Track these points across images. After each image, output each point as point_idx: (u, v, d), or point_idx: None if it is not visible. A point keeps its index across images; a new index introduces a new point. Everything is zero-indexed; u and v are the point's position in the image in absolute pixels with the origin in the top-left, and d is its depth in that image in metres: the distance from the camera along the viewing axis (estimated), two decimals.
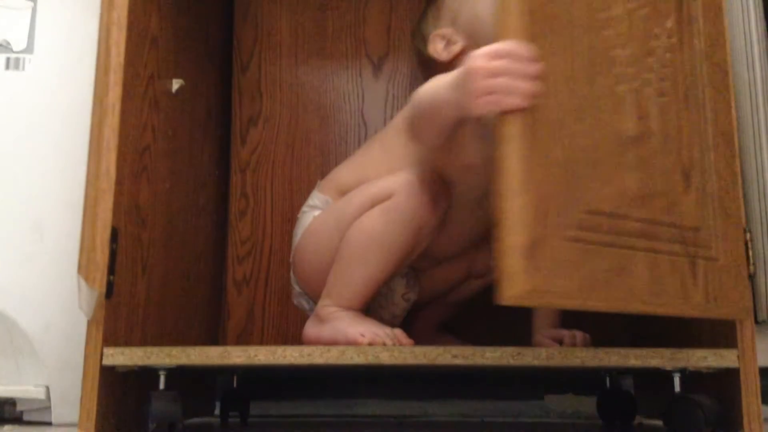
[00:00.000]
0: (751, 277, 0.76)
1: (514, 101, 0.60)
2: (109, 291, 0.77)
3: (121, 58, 0.81)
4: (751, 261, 0.76)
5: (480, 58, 0.63)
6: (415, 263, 0.98)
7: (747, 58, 0.98)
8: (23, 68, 1.00)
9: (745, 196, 0.80)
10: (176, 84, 0.98)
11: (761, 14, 1.00)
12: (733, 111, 0.77)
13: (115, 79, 0.81)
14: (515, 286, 0.59)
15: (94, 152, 0.79)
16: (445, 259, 1.03)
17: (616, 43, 0.69)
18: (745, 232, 0.76)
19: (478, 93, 0.63)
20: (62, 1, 1.03)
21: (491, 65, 0.62)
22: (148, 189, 0.89)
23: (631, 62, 0.70)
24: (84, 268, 0.75)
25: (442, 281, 1.05)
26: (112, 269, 0.77)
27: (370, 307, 0.96)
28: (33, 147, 0.99)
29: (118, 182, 0.79)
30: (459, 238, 1.00)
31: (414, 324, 1.05)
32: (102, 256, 0.76)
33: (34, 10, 1.02)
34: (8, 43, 1.01)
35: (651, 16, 0.72)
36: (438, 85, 0.78)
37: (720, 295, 0.71)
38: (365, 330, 0.86)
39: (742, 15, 0.99)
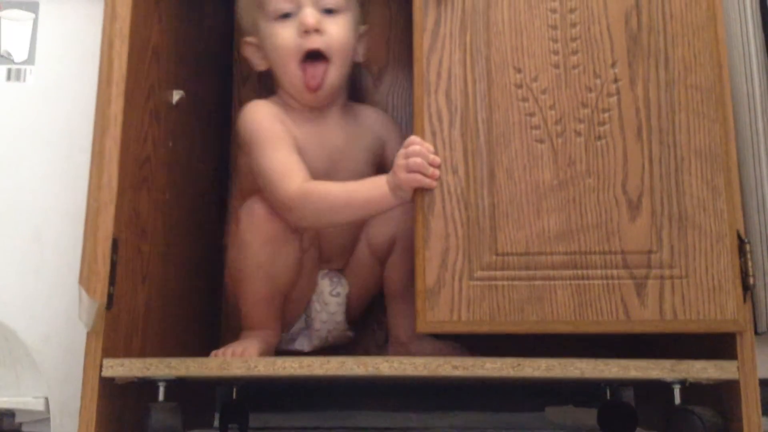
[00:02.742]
0: (751, 289, 0.76)
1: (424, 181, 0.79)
2: (109, 302, 0.77)
3: (123, 70, 0.82)
4: (750, 273, 0.76)
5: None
6: (327, 262, 1.04)
7: (745, 71, 0.98)
8: (24, 79, 1.01)
9: (743, 208, 0.81)
10: (177, 95, 0.98)
11: (759, 26, 1.00)
12: (722, 127, 0.80)
13: (118, 90, 0.81)
14: (421, 321, 0.78)
15: (96, 163, 0.80)
16: (341, 249, 1.05)
17: (535, 110, 0.81)
18: (743, 243, 0.77)
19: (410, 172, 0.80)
20: (63, 13, 1.03)
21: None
22: (149, 200, 0.89)
23: (557, 120, 0.81)
24: (85, 279, 0.75)
25: (363, 266, 1.05)
26: (112, 280, 0.78)
27: (308, 312, 1.04)
28: (34, 157, 0.99)
29: (119, 193, 0.80)
30: (343, 230, 1.03)
31: (396, 325, 1.05)
32: (103, 267, 0.76)
33: (35, 22, 1.02)
34: (9, 54, 1.01)
35: (587, 70, 0.82)
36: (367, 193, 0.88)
37: (687, 310, 0.76)
38: (229, 347, 0.92)
39: (740, 27, 1.00)
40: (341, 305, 1.05)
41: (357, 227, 1.04)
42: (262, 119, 0.97)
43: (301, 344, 1.05)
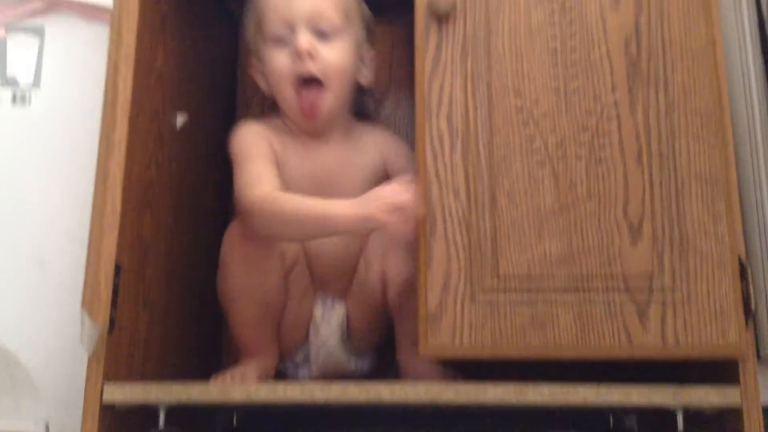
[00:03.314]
0: (753, 313, 0.76)
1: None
2: (111, 326, 0.77)
3: (129, 94, 0.83)
4: (752, 297, 0.76)
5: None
6: (322, 287, 1.01)
7: (745, 96, 0.99)
8: (29, 103, 1.02)
9: (745, 232, 0.81)
10: (181, 119, 0.99)
11: (759, 51, 1.01)
12: (722, 151, 0.80)
13: (122, 114, 0.82)
14: (424, 345, 0.78)
15: (100, 187, 0.80)
16: (336, 272, 1.01)
17: (535, 134, 0.82)
18: (745, 268, 0.77)
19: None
20: (68, 37, 1.04)
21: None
22: (152, 224, 0.89)
23: (558, 144, 0.81)
24: (87, 303, 0.75)
25: (368, 295, 1.01)
26: (114, 304, 0.78)
27: (305, 338, 1.01)
28: (37, 181, 0.99)
29: (122, 217, 0.80)
30: (337, 256, 1.00)
31: (399, 348, 1.02)
32: (106, 291, 0.76)
33: (41, 46, 1.03)
34: (15, 79, 1.02)
35: (587, 95, 0.83)
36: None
37: (690, 335, 0.76)
38: (228, 373, 0.92)
39: (740, 52, 1.00)
40: (333, 334, 1.01)
41: (352, 250, 1.01)
42: (246, 136, 0.97)
43: (303, 373, 1.03)
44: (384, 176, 1.02)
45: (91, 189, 0.89)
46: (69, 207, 0.98)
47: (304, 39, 0.94)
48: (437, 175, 0.82)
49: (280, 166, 0.96)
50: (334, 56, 0.96)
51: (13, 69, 1.02)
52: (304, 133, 1.00)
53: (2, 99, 1.01)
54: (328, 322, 1.01)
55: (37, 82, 1.02)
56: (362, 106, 1.08)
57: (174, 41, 0.97)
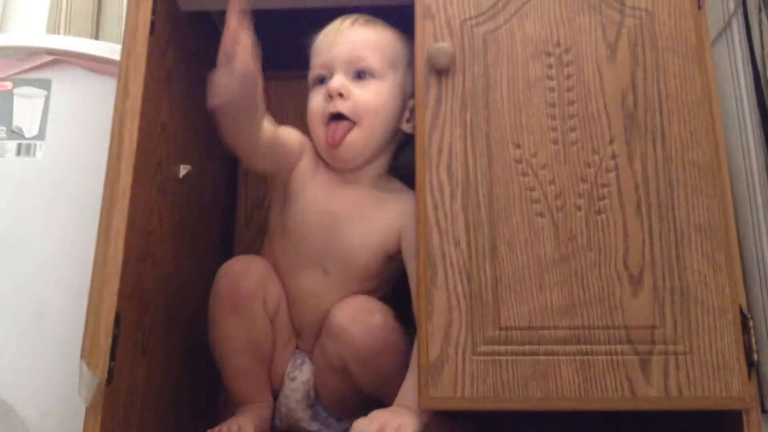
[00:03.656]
0: (755, 365, 0.76)
1: None
2: (109, 376, 0.76)
3: (134, 146, 0.84)
4: (754, 349, 0.76)
5: None
6: (299, 338, 1.00)
7: (742, 147, 1.00)
8: (34, 154, 1.02)
9: (746, 283, 0.81)
10: (183, 170, 1.00)
11: (755, 104, 1.02)
12: (721, 202, 0.81)
13: (127, 165, 0.83)
14: (424, 397, 0.78)
15: (103, 236, 0.81)
16: (310, 322, 0.98)
17: (535, 184, 0.83)
18: (746, 319, 0.77)
19: None
20: (74, 90, 1.06)
21: None
22: (152, 273, 0.89)
23: (557, 194, 0.82)
24: (87, 354, 0.75)
25: (327, 355, 0.95)
26: (112, 355, 0.77)
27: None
28: (39, 231, 1.00)
29: (123, 266, 0.80)
30: (313, 304, 0.97)
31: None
32: (105, 342, 0.76)
33: (47, 98, 1.04)
34: (20, 130, 1.03)
35: (585, 146, 0.84)
36: None
37: (693, 387, 0.76)
38: (224, 425, 0.90)
39: (736, 105, 1.02)
40: (296, 390, 0.98)
41: (328, 303, 0.95)
42: (293, 131, 0.98)
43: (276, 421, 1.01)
44: (394, 245, 0.96)
45: (92, 240, 0.89)
46: (70, 258, 0.98)
47: (337, 80, 0.95)
48: (438, 224, 0.82)
49: (301, 186, 0.97)
50: (367, 96, 0.96)
51: (19, 121, 1.03)
52: (334, 170, 0.99)
53: (8, 150, 1.02)
54: (294, 378, 0.99)
55: (42, 134, 1.03)
56: (405, 160, 1.03)
57: (179, 94, 0.98)
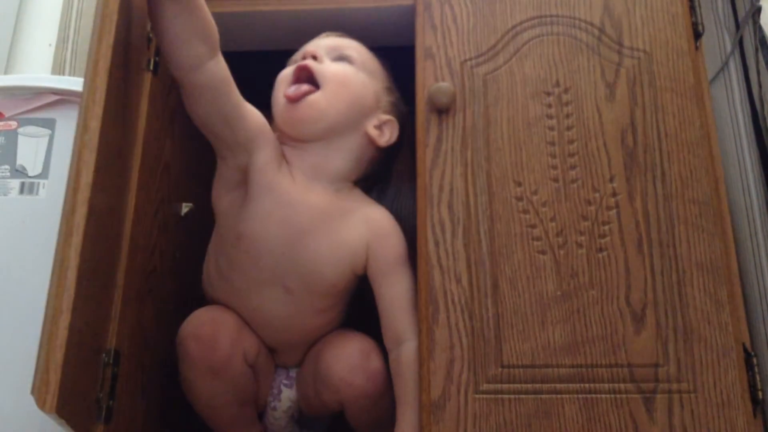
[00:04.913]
0: (760, 403, 0.75)
1: None
2: (108, 416, 0.76)
3: (135, 185, 0.84)
4: (759, 387, 0.75)
5: None
6: (280, 362, 0.96)
7: (742, 185, 1.00)
8: (37, 193, 1.03)
9: (749, 320, 0.81)
10: (185, 208, 1.00)
11: (754, 142, 1.03)
12: (722, 240, 0.81)
13: (130, 204, 0.83)
14: None
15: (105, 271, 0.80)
16: (285, 345, 0.94)
17: (536, 222, 0.83)
18: (750, 356, 0.76)
19: None
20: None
21: None
22: (153, 311, 0.89)
23: (558, 232, 0.82)
24: (37, 390, 0.68)
25: (323, 400, 0.91)
26: (112, 394, 0.76)
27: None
28: (41, 269, 0.99)
29: (124, 304, 0.80)
30: (280, 326, 0.91)
31: None
32: (54, 377, 0.68)
33: (51, 138, 1.05)
34: (24, 168, 1.03)
35: (586, 184, 0.84)
36: None
37: (697, 426, 0.75)
38: None
39: (735, 143, 1.02)
40: (279, 418, 0.96)
41: (285, 334, 0.93)
42: (259, 115, 0.89)
43: None
44: (362, 264, 0.91)
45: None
46: None
47: (312, 46, 0.92)
48: (439, 262, 0.82)
49: (261, 190, 0.87)
50: (338, 67, 0.92)
51: (23, 159, 1.04)
52: (295, 168, 0.91)
53: (11, 188, 1.02)
54: (275, 407, 0.95)
55: (45, 173, 1.04)
56: (373, 177, 0.99)
57: (182, 133, 0.99)
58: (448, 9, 0.92)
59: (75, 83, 1.07)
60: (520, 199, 0.84)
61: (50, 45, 1.45)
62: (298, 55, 0.95)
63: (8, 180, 1.03)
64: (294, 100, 0.89)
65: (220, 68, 0.82)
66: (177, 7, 0.78)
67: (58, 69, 1.39)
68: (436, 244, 0.83)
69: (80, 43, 1.41)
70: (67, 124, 1.06)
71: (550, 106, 0.87)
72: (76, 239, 0.75)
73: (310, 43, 0.96)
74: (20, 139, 1.05)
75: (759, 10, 1.01)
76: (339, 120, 0.91)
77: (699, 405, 0.75)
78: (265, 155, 0.87)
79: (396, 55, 0.99)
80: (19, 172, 1.03)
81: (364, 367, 0.86)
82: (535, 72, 0.89)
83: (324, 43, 0.95)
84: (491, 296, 0.81)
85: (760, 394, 0.75)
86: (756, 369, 0.76)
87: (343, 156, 0.93)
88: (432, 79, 0.89)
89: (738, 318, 0.78)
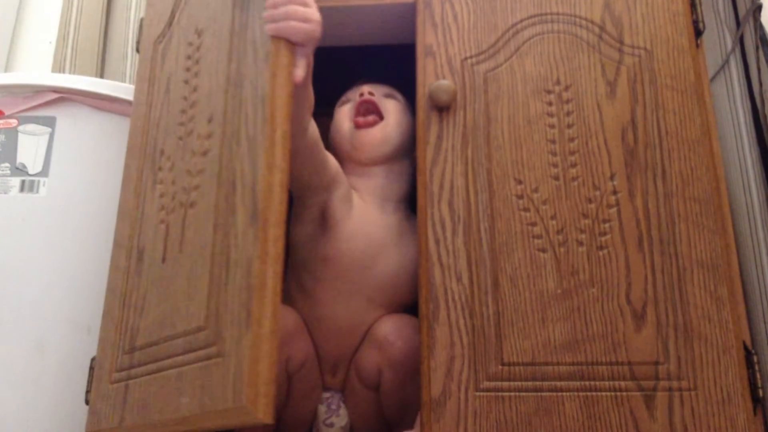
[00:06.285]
0: (760, 401, 0.75)
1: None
2: None
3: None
4: (759, 384, 0.75)
5: None
6: (330, 383, 0.98)
7: (743, 183, 1.00)
8: (37, 191, 1.03)
9: (749, 319, 0.81)
10: None
11: (754, 140, 1.03)
12: (722, 238, 0.81)
13: None
14: None
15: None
16: (347, 359, 0.97)
17: (536, 219, 0.83)
18: (750, 354, 0.76)
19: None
20: (78, 128, 1.06)
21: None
22: None
23: (559, 230, 0.82)
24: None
25: (357, 394, 0.96)
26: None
27: None
28: (41, 267, 0.99)
29: None
30: (352, 333, 0.96)
31: None
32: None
33: (51, 136, 1.05)
34: (24, 167, 1.03)
35: (586, 182, 0.84)
36: None
37: (698, 423, 0.75)
38: None
39: (736, 141, 1.02)
40: None
41: (351, 340, 0.97)
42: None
43: None
44: None
45: (94, 276, 0.88)
46: (72, 294, 0.98)
47: (367, 86, 1.02)
48: (440, 259, 0.82)
49: (343, 215, 0.95)
50: (391, 104, 1.03)
51: (23, 157, 1.04)
52: (357, 166, 1.02)
53: (11, 186, 1.02)
54: (331, 424, 0.97)
55: (45, 171, 1.04)
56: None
57: None
58: (448, 7, 0.92)
59: (75, 81, 1.07)
60: (520, 196, 0.84)
61: (50, 43, 1.45)
62: (350, 96, 1.05)
63: (8, 178, 1.02)
64: (364, 126, 1.00)
65: (314, 128, 0.88)
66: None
67: (58, 67, 1.38)
68: (437, 241, 0.83)
69: (80, 41, 1.41)
70: (67, 122, 1.06)
71: (550, 103, 0.87)
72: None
73: (356, 87, 1.05)
74: (20, 137, 1.04)
75: (759, 7, 1.01)
76: (401, 144, 1.02)
77: (699, 402, 0.75)
78: (344, 188, 0.97)
79: (396, 53, 0.99)
80: (19, 170, 1.03)
81: (407, 334, 0.90)
82: (535, 70, 0.88)
83: (371, 87, 1.03)
84: (491, 294, 0.81)
85: (760, 391, 0.75)
86: (756, 367, 0.76)
87: (400, 179, 1.03)
88: (432, 77, 0.89)
89: (738, 316, 0.78)
